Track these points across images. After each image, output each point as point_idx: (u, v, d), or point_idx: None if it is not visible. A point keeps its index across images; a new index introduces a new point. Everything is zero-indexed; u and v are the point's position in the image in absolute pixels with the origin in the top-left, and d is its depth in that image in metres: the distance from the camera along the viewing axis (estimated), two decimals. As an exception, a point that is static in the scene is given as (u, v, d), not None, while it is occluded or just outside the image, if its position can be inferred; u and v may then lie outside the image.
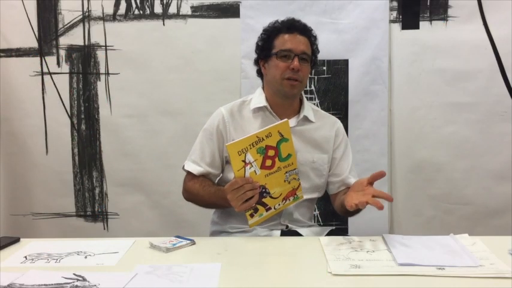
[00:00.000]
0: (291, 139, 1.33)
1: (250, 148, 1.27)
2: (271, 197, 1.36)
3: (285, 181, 1.37)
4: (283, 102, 1.55)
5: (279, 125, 1.31)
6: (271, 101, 1.55)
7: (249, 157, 1.28)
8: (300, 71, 1.48)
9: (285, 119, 1.33)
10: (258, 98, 1.57)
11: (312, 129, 1.58)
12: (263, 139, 1.28)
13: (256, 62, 1.61)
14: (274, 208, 1.39)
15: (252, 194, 1.30)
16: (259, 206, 1.36)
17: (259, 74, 1.62)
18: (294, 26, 1.53)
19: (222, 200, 1.36)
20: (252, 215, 1.36)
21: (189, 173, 1.57)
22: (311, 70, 1.59)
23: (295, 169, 1.37)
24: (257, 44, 1.60)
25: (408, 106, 2.30)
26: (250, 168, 1.29)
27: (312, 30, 1.57)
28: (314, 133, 1.58)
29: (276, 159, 1.33)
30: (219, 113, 1.56)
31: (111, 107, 2.33)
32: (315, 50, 1.57)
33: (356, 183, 1.41)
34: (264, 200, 1.35)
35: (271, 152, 1.31)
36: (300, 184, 1.40)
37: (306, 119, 1.57)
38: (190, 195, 1.56)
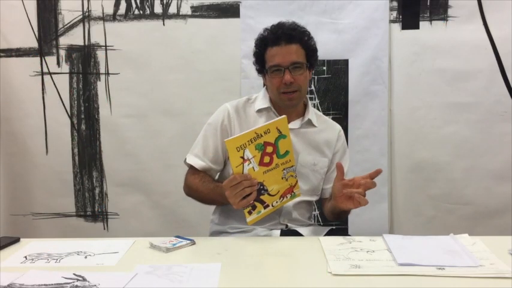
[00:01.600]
0: (289, 136, 1.32)
1: (249, 144, 1.26)
2: (269, 194, 1.35)
3: (282, 178, 1.35)
4: (286, 107, 1.54)
5: (277, 122, 1.30)
6: (275, 104, 1.56)
7: (248, 153, 1.26)
8: (295, 81, 1.45)
9: (283, 116, 1.32)
10: (262, 100, 1.57)
11: (315, 132, 1.58)
12: (261, 135, 1.27)
13: (259, 71, 1.59)
14: (272, 205, 1.38)
15: (250, 190, 1.28)
16: (257, 203, 1.34)
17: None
18: (279, 36, 1.47)
19: (221, 196, 1.35)
20: (250, 212, 1.35)
21: (191, 167, 1.56)
22: (311, 69, 1.55)
23: (292, 166, 1.36)
24: (254, 55, 1.56)
25: (408, 106, 2.30)
26: (248, 164, 1.28)
27: (302, 32, 1.49)
28: (316, 136, 1.57)
29: (274, 156, 1.31)
30: (225, 109, 1.55)
31: (111, 107, 2.33)
32: (312, 50, 1.52)
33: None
34: (261, 197, 1.34)
35: (269, 149, 1.29)
36: (297, 181, 1.39)
37: (309, 123, 1.57)
38: (190, 190, 1.56)
